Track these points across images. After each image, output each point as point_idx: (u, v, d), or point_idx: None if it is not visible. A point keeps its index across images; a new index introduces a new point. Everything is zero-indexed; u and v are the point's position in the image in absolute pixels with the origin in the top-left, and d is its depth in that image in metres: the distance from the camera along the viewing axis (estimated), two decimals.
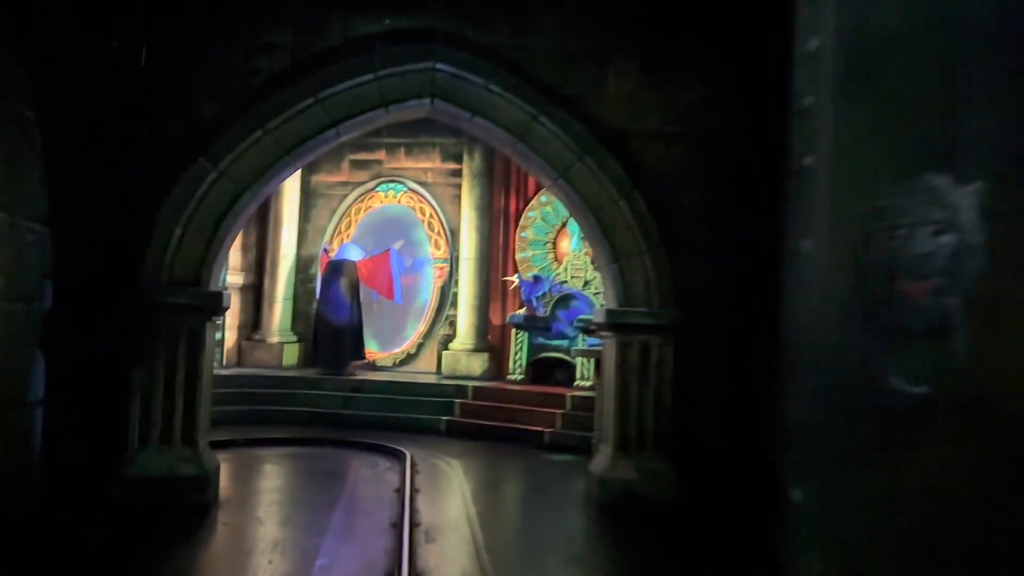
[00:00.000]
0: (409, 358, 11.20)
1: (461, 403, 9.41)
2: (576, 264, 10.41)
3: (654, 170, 5.91)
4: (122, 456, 5.34)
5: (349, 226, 11.56)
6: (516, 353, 10.25)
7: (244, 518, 5.31)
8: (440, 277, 11.27)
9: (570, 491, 6.65)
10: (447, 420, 9.22)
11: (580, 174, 5.87)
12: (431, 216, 11.33)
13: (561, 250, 10.70)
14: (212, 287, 5.55)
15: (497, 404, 9.28)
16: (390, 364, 11.17)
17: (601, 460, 5.99)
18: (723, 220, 5.87)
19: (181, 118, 5.51)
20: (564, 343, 10.10)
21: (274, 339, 11.05)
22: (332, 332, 10.34)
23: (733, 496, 5.46)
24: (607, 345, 6.06)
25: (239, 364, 10.95)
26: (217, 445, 7.46)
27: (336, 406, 9.58)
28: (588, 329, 9.64)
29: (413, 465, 7.00)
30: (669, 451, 5.77)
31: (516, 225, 10.90)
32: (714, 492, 5.57)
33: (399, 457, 7.35)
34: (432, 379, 10.37)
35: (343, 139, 5.88)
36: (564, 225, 10.71)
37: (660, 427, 5.80)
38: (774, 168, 5.58)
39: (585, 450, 7.83)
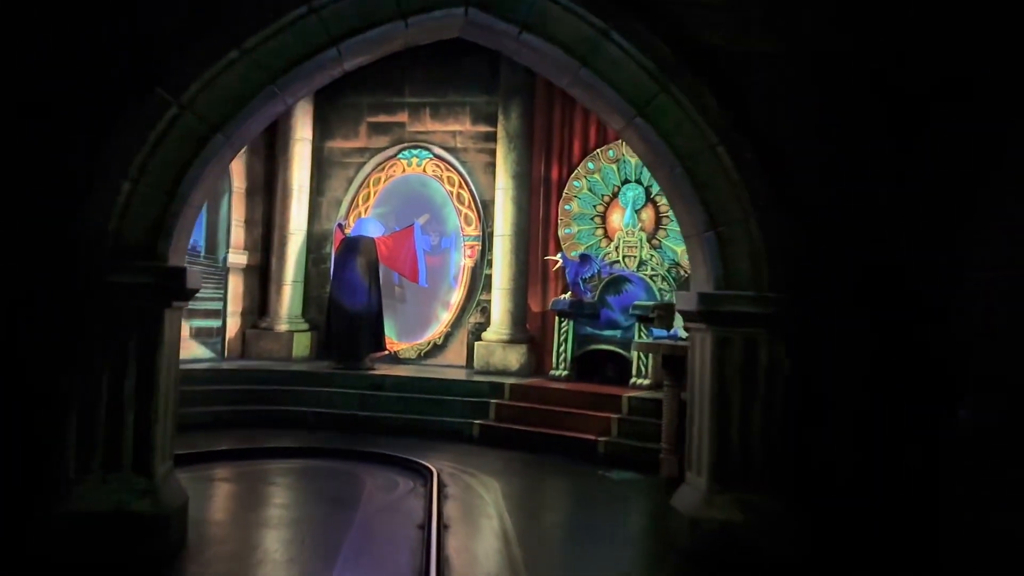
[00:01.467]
0: (435, 349, 9.83)
1: (496, 404, 8.01)
2: (629, 241, 8.92)
3: (765, 106, 4.40)
4: (52, 489, 3.98)
5: (367, 198, 10.23)
6: (560, 345, 8.80)
7: (216, 574, 3.93)
8: (471, 257, 9.87)
9: (643, 528, 5.21)
10: (480, 424, 7.82)
11: (665, 110, 4.37)
12: (460, 186, 9.92)
13: (612, 225, 9.22)
14: (173, 261, 4.15)
15: (539, 406, 7.86)
16: (413, 356, 9.82)
17: (691, 493, 4.52)
18: (863, 175, 4.34)
19: (128, 31, 4.09)
20: (616, 334, 8.64)
21: (282, 327, 9.74)
22: (347, 319, 9.01)
23: (882, 553, 3.96)
24: (697, 340, 4.58)
25: (243, 355, 9.69)
26: (203, 459, 6.24)
27: (351, 406, 8.25)
28: (646, 317, 8.23)
29: (440, 488, 5.61)
30: (786, 486, 4.28)
31: (559, 196, 9.43)
32: (852, 545, 4.07)
33: (424, 475, 5.98)
34: (462, 374, 9.00)
35: (348, 66, 4.42)
36: (615, 196, 9.22)
37: (773, 453, 4.31)
38: (934, 108, 4.05)
39: (649, 465, 6.46)
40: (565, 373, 8.69)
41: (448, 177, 9.99)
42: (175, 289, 4.12)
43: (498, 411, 7.95)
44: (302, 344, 9.79)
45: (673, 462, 6.29)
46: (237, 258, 9.62)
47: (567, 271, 8.93)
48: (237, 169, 9.60)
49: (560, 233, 9.38)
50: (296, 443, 7.04)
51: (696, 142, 4.37)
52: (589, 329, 8.76)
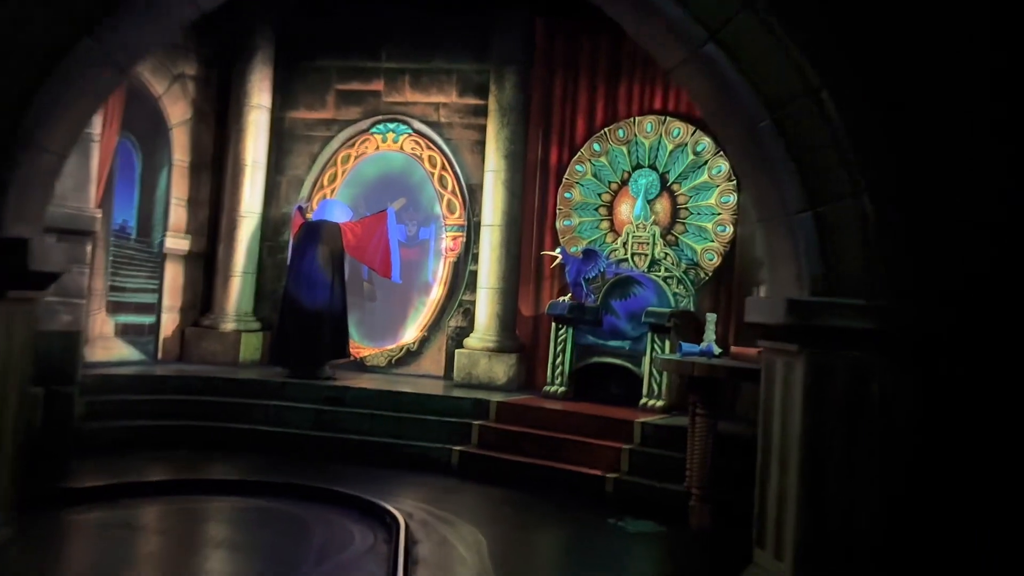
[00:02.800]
0: (409, 357, 8.49)
1: (480, 426, 6.67)
2: (640, 237, 7.62)
3: (885, 39, 3.10)
4: None
5: (334, 179, 8.89)
6: (556, 356, 7.47)
7: None
8: (453, 250, 8.55)
9: None
10: (460, 451, 6.47)
11: (747, 36, 3.06)
12: (443, 167, 8.60)
13: (620, 217, 7.91)
14: (13, 230, 2.74)
15: (532, 430, 6.54)
16: (383, 364, 8.48)
17: None
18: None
19: None
20: (623, 345, 7.34)
21: (229, 326, 8.34)
22: (305, 319, 7.63)
23: None
24: (778, 366, 3.26)
25: (181, 358, 8.28)
26: (112, 494, 4.92)
27: (304, 424, 6.90)
28: (661, 326, 6.97)
29: (408, 547, 4.27)
30: None
31: (558, 182, 8.12)
32: None
33: (388, 526, 4.63)
34: (440, 387, 7.66)
35: None
36: (625, 183, 7.91)
37: (888, 531, 3.01)
38: None
39: (671, 512, 5.28)
40: (562, 390, 7.36)
41: (429, 156, 8.64)
42: (11, 271, 2.71)
43: (482, 435, 6.61)
44: (251, 346, 8.39)
45: (705, 511, 5.10)
46: (176, 243, 8.19)
47: (567, 269, 7.61)
48: (179, 139, 8.20)
49: (559, 225, 8.06)
50: (236, 475, 5.68)
51: (791, 83, 3.06)
52: (591, 338, 7.44)
